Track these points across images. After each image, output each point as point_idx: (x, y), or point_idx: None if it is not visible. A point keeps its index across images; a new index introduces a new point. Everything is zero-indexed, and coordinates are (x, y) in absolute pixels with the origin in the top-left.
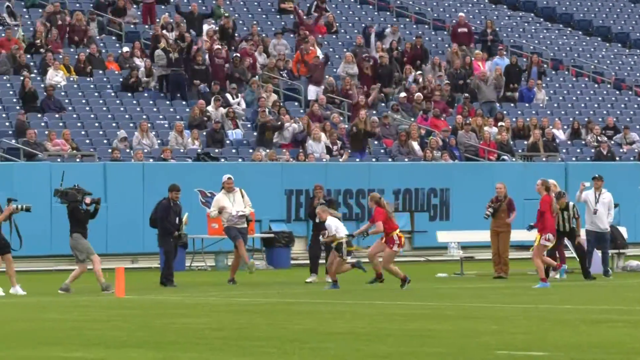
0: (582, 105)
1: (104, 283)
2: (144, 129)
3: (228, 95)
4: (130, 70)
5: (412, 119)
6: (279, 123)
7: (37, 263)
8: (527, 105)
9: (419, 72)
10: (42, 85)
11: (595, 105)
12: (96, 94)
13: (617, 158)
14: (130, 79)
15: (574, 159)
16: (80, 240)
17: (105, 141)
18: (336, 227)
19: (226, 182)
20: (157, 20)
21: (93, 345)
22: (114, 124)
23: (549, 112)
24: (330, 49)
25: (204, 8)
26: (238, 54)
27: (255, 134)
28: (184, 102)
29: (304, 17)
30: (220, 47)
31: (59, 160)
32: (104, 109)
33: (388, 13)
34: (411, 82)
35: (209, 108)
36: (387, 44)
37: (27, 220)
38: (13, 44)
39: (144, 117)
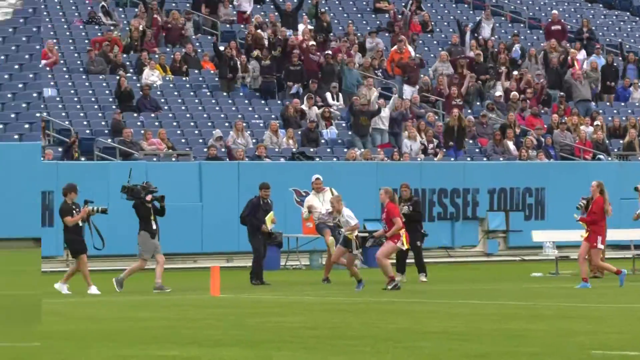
0: None
1: (158, 283)
2: (239, 128)
3: (328, 95)
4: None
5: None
6: (377, 107)
7: (129, 262)
8: (622, 104)
9: (519, 62)
10: (138, 85)
11: None
12: (192, 93)
13: None
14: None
15: None
16: (147, 240)
17: (200, 140)
18: (353, 218)
19: (314, 183)
20: (251, 20)
21: (188, 343)
22: (209, 124)
23: None
24: (425, 48)
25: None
26: (330, 52)
27: (350, 132)
28: (279, 102)
29: (399, 16)
30: (315, 43)
31: (154, 159)
32: (200, 108)
33: (483, 12)
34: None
35: (303, 107)
36: (484, 34)
37: (119, 220)
38: (111, 44)
39: (239, 116)
